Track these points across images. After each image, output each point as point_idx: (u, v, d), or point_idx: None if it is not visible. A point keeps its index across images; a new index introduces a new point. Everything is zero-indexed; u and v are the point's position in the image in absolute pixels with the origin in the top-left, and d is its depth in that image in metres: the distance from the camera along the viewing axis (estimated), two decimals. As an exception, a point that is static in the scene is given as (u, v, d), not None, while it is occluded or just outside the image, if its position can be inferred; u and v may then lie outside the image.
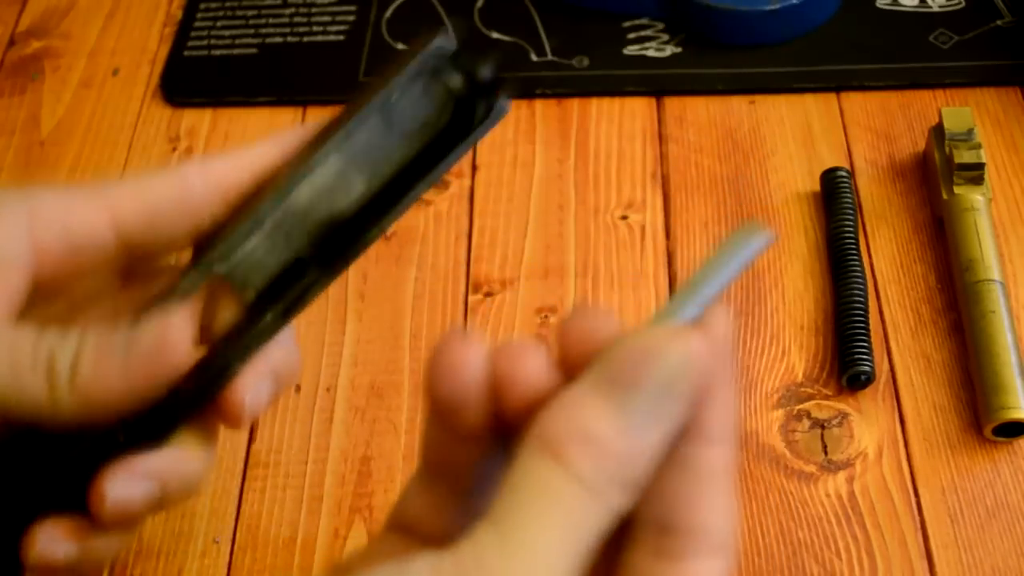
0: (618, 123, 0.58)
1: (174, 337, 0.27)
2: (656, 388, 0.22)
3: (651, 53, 0.61)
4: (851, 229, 0.51)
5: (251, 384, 0.29)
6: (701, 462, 0.23)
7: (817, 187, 0.54)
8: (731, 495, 0.23)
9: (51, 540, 0.28)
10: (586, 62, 0.61)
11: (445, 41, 0.28)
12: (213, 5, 0.66)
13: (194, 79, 0.62)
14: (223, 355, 0.29)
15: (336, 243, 0.29)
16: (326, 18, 0.64)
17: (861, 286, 0.50)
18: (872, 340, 0.48)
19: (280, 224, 0.29)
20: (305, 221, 0.29)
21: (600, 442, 0.22)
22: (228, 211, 0.30)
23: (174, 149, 0.59)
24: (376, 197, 0.29)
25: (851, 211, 0.52)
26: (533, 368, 0.24)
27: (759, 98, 0.59)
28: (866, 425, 0.47)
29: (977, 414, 0.47)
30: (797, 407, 0.48)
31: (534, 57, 0.61)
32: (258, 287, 0.29)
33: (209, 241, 0.29)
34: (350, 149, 0.30)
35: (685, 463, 0.23)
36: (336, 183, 0.29)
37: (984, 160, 0.51)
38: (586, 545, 0.22)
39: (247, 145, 0.30)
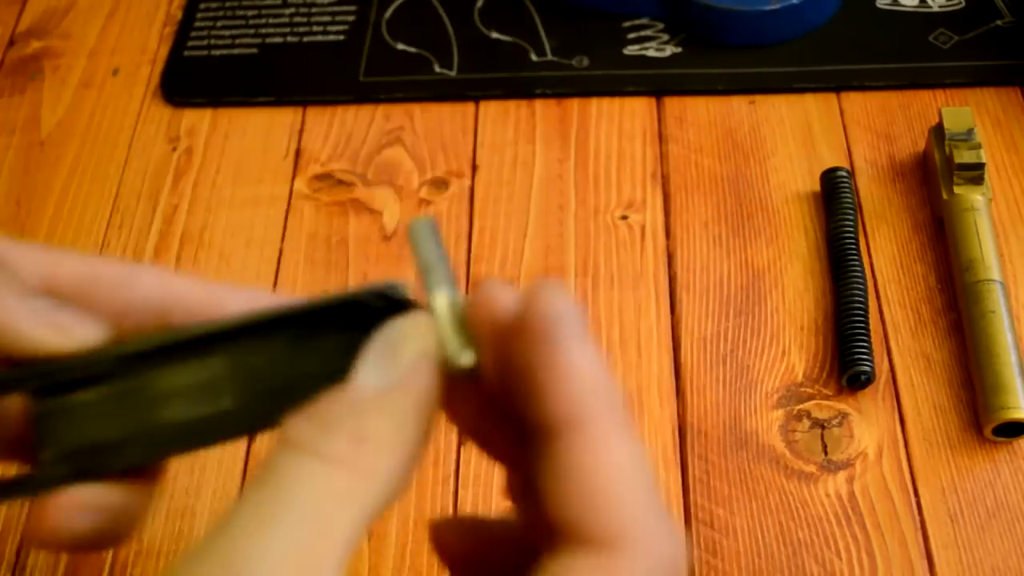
0: (618, 123, 0.58)
1: None
2: (386, 341, 0.23)
3: (651, 53, 0.61)
4: (851, 229, 0.51)
5: (63, 512, 0.26)
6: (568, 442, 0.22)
7: (817, 187, 0.54)
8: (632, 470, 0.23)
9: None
10: (586, 62, 0.61)
11: (396, 292, 0.26)
12: (213, 5, 0.66)
13: (194, 79, 0.62)
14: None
15: (160, 446, 0.26)
16: (326, 18, 0.64)
17: (861, 286, 0.50)
18: (872, 340, 0.48)
19: (124, 398, 0.26)
20: (153, 408, 0.26)
21: (320, 409, 0.23)
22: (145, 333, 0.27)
23: (174, 149, 0.60)
24: (232, 418, 0.26)
25: (851, 211, 0.52)
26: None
27: (759, 98, 0.59)
28: (866, 425, 0.47)
29: (977, 414, 0.47)
30: (797, 407, 0.48)
31: (534, 57, 0.61)
32: (64, 449, 0.26)
33: (75, 364, 0.26)
34: (243, 360, 0.26)
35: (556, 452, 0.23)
36: (209, 388, 0.26)
37: (984, 160, 0.51)
38: (349, 522, 0.22)
39: (214, 282, 0.28)
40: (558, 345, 0.22)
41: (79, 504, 0.25)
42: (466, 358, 0.24)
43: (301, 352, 0.26)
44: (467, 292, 0.52)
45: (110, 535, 0.26)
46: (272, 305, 0.26)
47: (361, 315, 0.25)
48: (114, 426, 0.26)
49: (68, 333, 0.26)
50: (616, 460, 0.22)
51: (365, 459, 0.22)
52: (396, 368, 0.23)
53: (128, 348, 0.26)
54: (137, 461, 0.26)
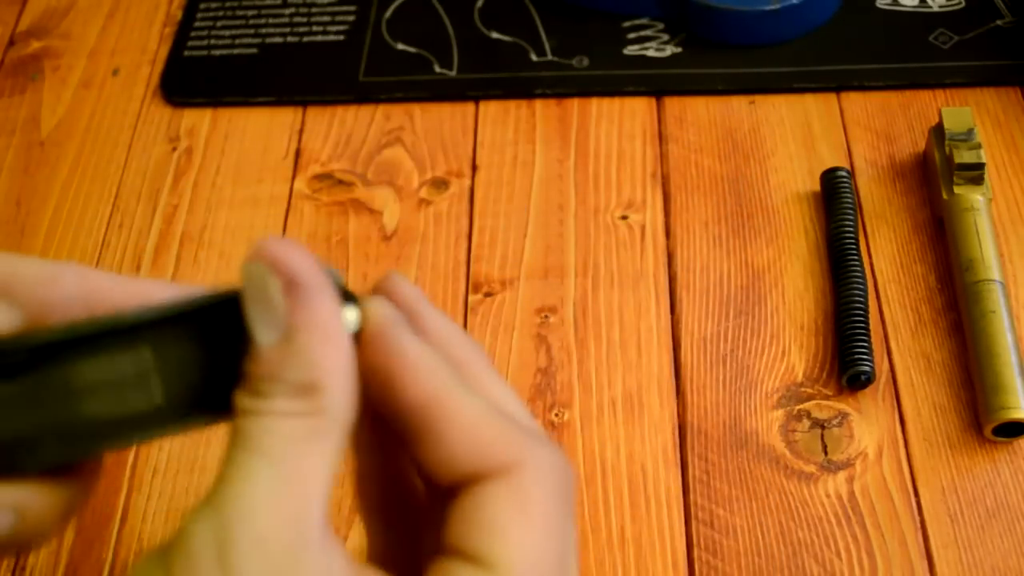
0: (618, 123, 0.58)
1: None
2: (253, 295, 0.24)
3: (651, 53, 0.61)
4: (851, 229, 0.51)
5: None
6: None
7: (817, 187, 0.54)
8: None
9: None
10: (586, 62, 0.61)
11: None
12: (213, 5, 0.66)
13: (194, 79, 0.62)
14: None
15: (82, 443, 0.25)
16: (326, 18, 0.64)
17: (861, 286, 0.50)
18: (872, 340, 0.48)
19: (37, 392, 0.24)
20: (74, 402, 0.24)
21: (247, 379, 0.24)
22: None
23: (174, 149, 0.60)
24: (163, 413, 0.25)
25: (851, 211, 0.52)
26: None
27: (759, 98, 0.59)
28: (866, 425, 0.47)
29: (977, 414, 0.47)
30: (797, 407, 0.48)
31: (534, 57, 0.61)
32: None
33: None
34: (171, 352, 0.25)
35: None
36: (134, 381, 0.25)
37: (984, 160, 0.51)
38: (322, 461, 0.23)
39: (139, 279, 0.27)
40: (392, 346, 0.25)
41: None
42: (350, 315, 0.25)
43: (224, 341, 0.25)
44: (467, 292, 0.52)
45: (26, 538, 0.25)
46: (195, 294, 0.25)
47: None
48: (29, 422, 0.24)
49: None
50: (475, 411, 0.25)
51: (308, 404, 0.23)
52: (276, 313, 0.24)
53: (45, 335, 0.24)
54: (56, 459, 0.25)
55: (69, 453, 0.25)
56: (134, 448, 0.49)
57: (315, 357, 0.23)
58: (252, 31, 0.64)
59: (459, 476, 0.25)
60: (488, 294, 0.52)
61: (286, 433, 0.23)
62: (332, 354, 0.24)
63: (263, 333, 0.24)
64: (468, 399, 0.25)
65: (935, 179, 0.53)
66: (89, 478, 0.27)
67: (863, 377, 0.47)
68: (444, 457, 0.25)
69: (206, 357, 0.25)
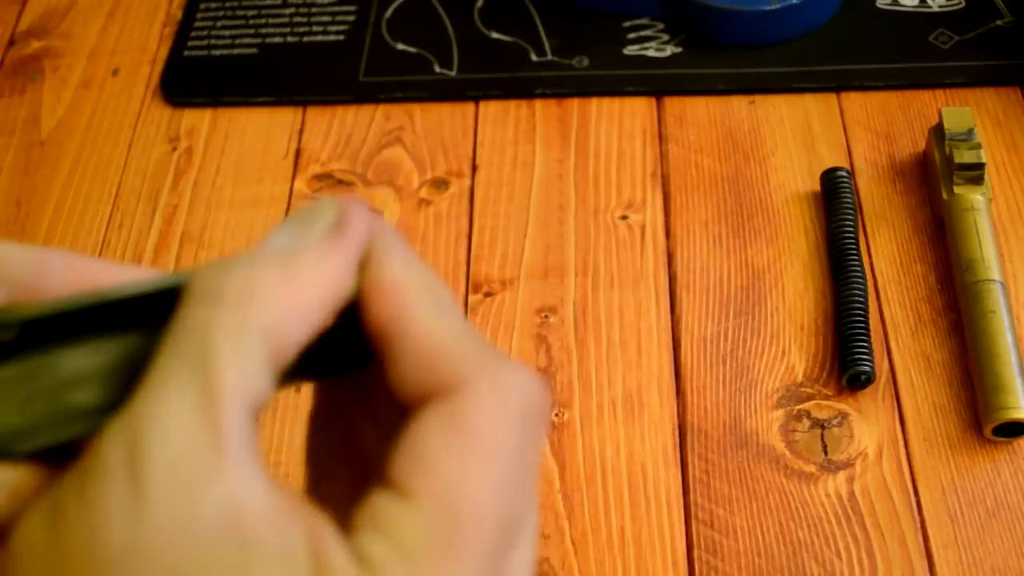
0: (618, 123, 0.58)
1: None
2: (302, 216, 0.23)
3: (651, 53, 0.61)
4: (851, 229, 0.51)
5: None
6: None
7: (817, 187, 0.54)
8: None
9: None
10: (586, 62, 0.61)
11: None
12: (213, 5, 0.66)
13: (194, 79, 0.62)
14: None
15: (74, 430, 0.23)
16: (326, 18, 0.64)
17: (861, 286, 0.50)
18: (872, 340, 0.48)
19: (27, 379, 0.24)
20: (55, 397, 0.23)
21: (225, 260, 0.22)
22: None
23: (174, 149, 0.60)
24: None
25: (851, 211, 0.52)
26: None
27: (759, 98, 0.59)
28: (866, 425, 0.47)
29: (977, 414, 0.47)
30: (797, 407, 0.48)
31: (534, 57, 0.61)
32: None
33: None
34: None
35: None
36: (124, 369, 0.24)
37: (984, 160, 0.51)
38: (240, 350, 0.21)
39: (127, 266, 0.26)
40: (375, 265, 0.23)
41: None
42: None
43: None
44: (467, 292, 0.52)
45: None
46: (165, 278, 0.24)
47: None
48: (18, 412, 0.23)
49: None
50: (432, 325, 0.23)
51: (249, 298, 0.22)
52: (306, 234, 0.23)
53: (35, 310, 0.23)
54: (46, 444, 0.24)
55: (60, 438, 0.24)
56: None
57: (290, 266, 0.22)
58: (252, 31, 0.64)
59: (411, 398, 0.22)
60: (488, 294, 0.52)
61: (212, 339, 0.21)
62: (316, 291, 0.22)
63: (276, 238, 0.23)
64: (430, 315, 0.23)
65: (935, 179, 0.53)
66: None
67: (863, 377, 0.47)
68: (399, 376, 0.23)
69: None
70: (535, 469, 0.23)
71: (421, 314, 0.23)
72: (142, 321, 0.24)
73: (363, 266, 0.24)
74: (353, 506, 0.23)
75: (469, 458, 0.21)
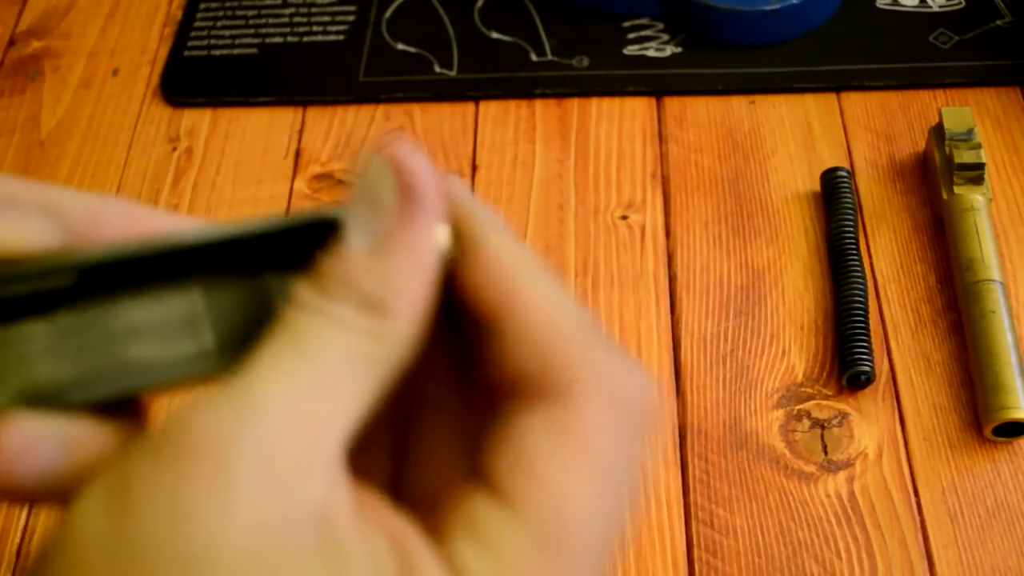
0: (618, 123, 0.58)
1: None
2: (364, 194, 0.22)
3: (651, 53, 0.61)
4: (851, 229, 0.51)
5: (20, 444, 0.21)
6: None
7: (817, 187, 0.54)
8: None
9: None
10: (586, 62, 0.61)
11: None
12: (213, 5, 0.66)
13: (194, 79, 0.62)
14: None
15: (130, 383, 0.22)
16: (326, 18, 0.64)
17: (861, 286, 0.50)
18: (872, 340, 0.48)
19: (81, 331, 0.22)
20: (119, 343, 0.22)
21: (321, 275, 0.21)
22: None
23: (174, 149, 0.60)
24: (214, 358, 0.23)
25: (851, 211, 0.52)
26: None
27: (759, 98, 0.59)
28: (866, 425, 0.47)
29: (977, 414, 0.47)
30: (797, 407, 0.48)
31: (534, 57, 0.61)
32: (10, 388, 0.22)
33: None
34: (223, 294, 0.23)
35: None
36: (183, 324, 0.23)
37: (984, 160, 0.51)
38: (364, 386, 0.21)
39: (187, 216, 0.25)
40: (474, 236, 0.22)
41: (39, 434, 0.21)
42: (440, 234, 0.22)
43: (269, 285, 0.23)
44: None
45: (81, 476, 0.21)
46: (234, 226, 0.23)
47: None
48: (73, 362, 0.22)
49: (24, 227, 0.22)
50: (552, 311, 0.22)
51: (376, 325, 0.21)
52: (380, 226, 0.21)
53: (94, 255, 0.22)
54: (101, 397, 0.22)
55: (117, 392, 0.23)
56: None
57: (399, 280, 0.21)
58: (252, 31, 0.64)
59: (513, 387, 0.21)
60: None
61: (337, 343, 0.20)
62: (417, 284, 0.21)
63: (357, 233, 0.21)
64: (545, 297, 0.22)
65: (935, 179, 0.53)
66: (139, 418, 0.24)
67: (863, 377, 0.47)
68: (505, 361, 0.21)
69: (258, 296, 0.23)
70: (638, 475, 0.22)
71: (536, 295, 0.22)
72: (201, 272, 0.23)
73: (456, 231, 0.22)
74: (391, 481, 0.22)
75: (579, 471, 0.20)
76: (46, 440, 0.21)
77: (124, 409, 0.23)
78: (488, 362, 0.22)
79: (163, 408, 0.24)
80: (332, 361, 0.20)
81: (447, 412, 0.24)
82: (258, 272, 0.23)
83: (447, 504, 0.21)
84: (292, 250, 0.23)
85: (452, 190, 0.23)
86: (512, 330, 0.21)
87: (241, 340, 0.23)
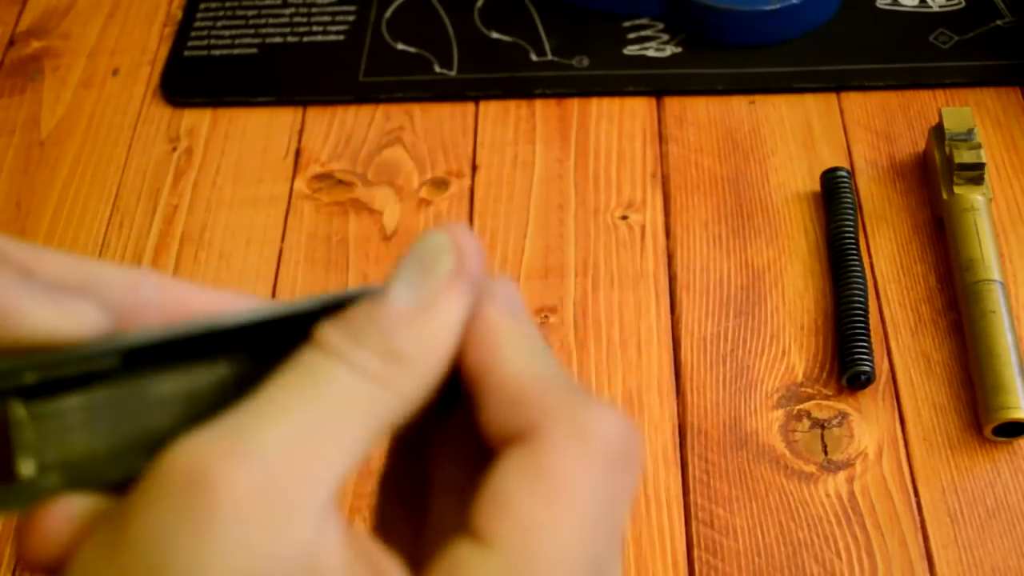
0: (618, 123, 0.58)
1: None
2: (419, 258, 0.23)
3: (651, 53, 0.61)
4: (851, 229, 0.51)
5: (60, 526, 0.22)
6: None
7: (817, 187, 0.54)
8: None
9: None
10: (586, 62, 0.61)
11: None
12: (213, 5, 0.66)
13: (194, 79, 0.62)
14: None
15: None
16: (326, 18, 0.64)
17: (861, 286, 0.50)
18: (872, 340, 0.48)
19: (117, 404, 0.23)
20: (151, 414, 0.23)
21: (352, 320, 0.22)
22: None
23: (174, 149, 0.60)
24: None
25: (851, 211, 0.52)
26: None
27: (759, 98, 0.59)
28: (866, 425, 0.47)
29: (977, 414, 0.47)
30: (797, 407, 0.48)
31: (534, 57, 0.61)
32: (47, 460, 0.22)
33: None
34: (249, 366, 0.24)
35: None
36: (210, 395, 0.24)
37: (984, 160, 0.51)
38: (366, 433, 0.21)
39: (218, 289, 0.25)
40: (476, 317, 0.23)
41: (78, 515, 0.22)
42: None
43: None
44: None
45: None
46: (271, 307, 0.24)
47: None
48: (107, 435, 0.23)
49: (74, 314, 0.22)
50: (519, 364, 0.23)
51: (394, 377, 0.22)
52: (429, 287, 0.23)
53: (138, 339, 0.23)
54: (136, 471, 0.23)
55: (141, 466, 0.23)
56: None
57: (430, 340, 0.22)
58: (252, 31, 0.64)
59: (496, 440, 0.22)
60: (488, 294, 0.52)
61: (345, 387, 0.21)
62: (443, 348, 0.22)
63: (403, 291, 0.22)
64: (519, 356, 0.23)
65: (935, 179, 0.53)
66: None
67: (863, 377, 0.47)
68: (486, 419, 0.22)
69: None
70: (624, 517, 0.22)
71: (509, 355, 0.23)
72: (232, 347, 0.24)
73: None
74: (417, 551, 0.23)
75: (551, 505, 0.21)
76: (82, 519, 0.22)
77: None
78: (478, 423, 0.23)
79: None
80: (340, 404, 0.21)
81: (461, 471, 0.25)
82: (290, 345, 0.24)
83: (434, 557, 0.21)
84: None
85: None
86: (490, 388, 0.22)
87: None
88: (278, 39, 0.64)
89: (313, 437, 0.20)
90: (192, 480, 0.19)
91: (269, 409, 0.21)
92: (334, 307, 0.24)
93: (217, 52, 0.63)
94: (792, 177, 0.55)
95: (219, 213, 0.57)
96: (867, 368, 0.47)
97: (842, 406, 0.48)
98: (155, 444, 0.22)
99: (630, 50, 0.61)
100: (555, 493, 0.21)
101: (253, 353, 0.24)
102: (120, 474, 0.23)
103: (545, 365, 0.23)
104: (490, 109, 0.59)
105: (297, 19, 0.65)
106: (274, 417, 0.20)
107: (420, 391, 0.22)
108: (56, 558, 0.22)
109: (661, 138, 0.58)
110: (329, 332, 0.22)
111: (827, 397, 0.48)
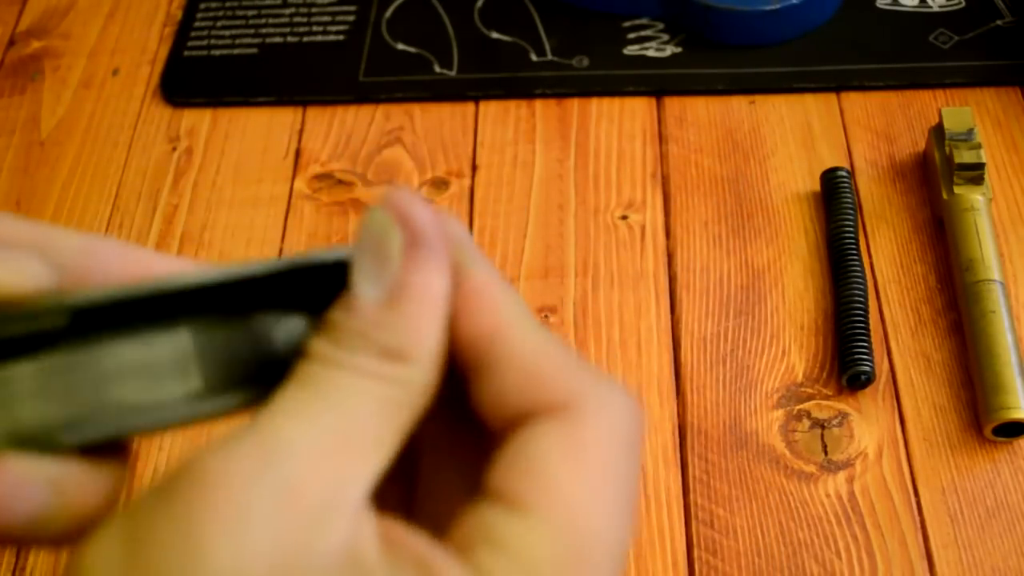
0: (618, 123, 0.58)
1: None
2: (369, 246, 0.22)
3: (651, 53, 0.61)
4: (851, 229, 0.51)
5: (7, 486, 0.21)
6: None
7: (817, 187, 0.54)
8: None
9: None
10: (586, 62, 0.61)
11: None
12: (213, 5, 0.66)
13: (194, 79, 0.62)
14: None
15: (116, 425, 0.22)
16: (326, 18, 0.64)
17: (861, 286, 0.50)
18: (872, 340, 0.48)
19: (70, 372, 0.22)
20: (98, 390, 0.22)
21: (334, 328, 0.22)
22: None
23: (174, 149, 0.60)
24: (202, 401, 0.23)
25: (851, 211, 0.52)
26: None
27: (759, 98, 0.59)
28: (866, 425, 0.47)
29: (977, 414, 0.47)
30: (797, 407, 0.48)
31: (534, 57, 0.61)
32: None
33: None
34: (212, 336, 0.23)
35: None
36: (171, 366, 0.23)
37: (984, 160, 0.51)
38: (387, 431, 0.21)
39: (179, 258, 0.25)
40: (460, 275, 0.23)
41: (28, 476, 0.21)
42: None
43: (262, 325, 0.23)
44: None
45: (70, 519, 0.22)
46: (228, 269, 0.23)
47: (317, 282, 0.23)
48: (60, 404, 0.22)
49: (18, 269, 0.22)
50: (536, 343, 0.22)
51: (399, 372, 0.21)
52: (389, 273, 0.22)
53: (87, 297, 0.22)
54: (88, 440, 0.22)
55: (103, 435, 0.23)
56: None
57: (417, 328, 0.22)
58: (252, 31, 0.64)
59: (512, 414, 0.22)
60: (488, 294, 0.52)
61: (361, 391, 0.21)
62: (433, 327, 0.22)
63: (367, 287, 0.22)
64: (530, 330, 0.22)
65: (935, 179, 0.53)
66: (124, 460, 0.24)
67: (863, 377, 0.47)
68: (498, 393, 0.22)
69: (251, 337, 0.23)
70: (638, 490, 0.22)
71: (521, 330, 0.22)
72: (191, 314, 0.23)
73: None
74: (403, 512, 0.22)
75: (590, 478, 0.21)
76: (35, 482, 0.21)
77: (112, 451, 0.23)
78: (482, 396, 0.22)
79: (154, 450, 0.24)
80: (357, 407, 0.21)
81: (444, 442, 0.25)
82: (249, 312, 0.23)
83: (461, 525, 0.21)
84: (285, 290, 0.23)
85: (448, 228, 0.23)
86: (506, 364, 0.22)
87: (231, 382, 0.23)
88: (278, 39, 0.64)
89: (339, 441, 0.20)
90: (219, 484, 0.19)
91: (292, 416, 0.20)
92: (298, 272, 0.23)
93: (217, 52, 0.63)
94: (792, 177, 0.55)
95: (219, 213, 0.57)
96: (867, 368, 0.47)
97: (842, 406, 0.48)
98: (114, 415, 0.22)
99: (630, 50, 0.61)
100: (595, 468, 0.21)
101: (214, 320, 0.23)
102: (76, 441, 0.22)
103: (548, 338, 0.23)
104: (490, 109, 0.59)
105: (297, 19, 0.65)
106: (299, 423, 0.20)
107: (429, 375, 0.22)
108: (12, 524, 0.21)
109: (661, 138, 0.58)
110: (320, 345, 0.22)
111: (827, 397, 0.48)
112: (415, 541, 0.21)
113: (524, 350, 0.22)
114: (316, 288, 0.23)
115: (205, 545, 0.19)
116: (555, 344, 0.23)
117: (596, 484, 0.21)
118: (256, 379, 0.23)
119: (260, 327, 0.23)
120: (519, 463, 0.21)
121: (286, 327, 0.23)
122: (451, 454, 0.25)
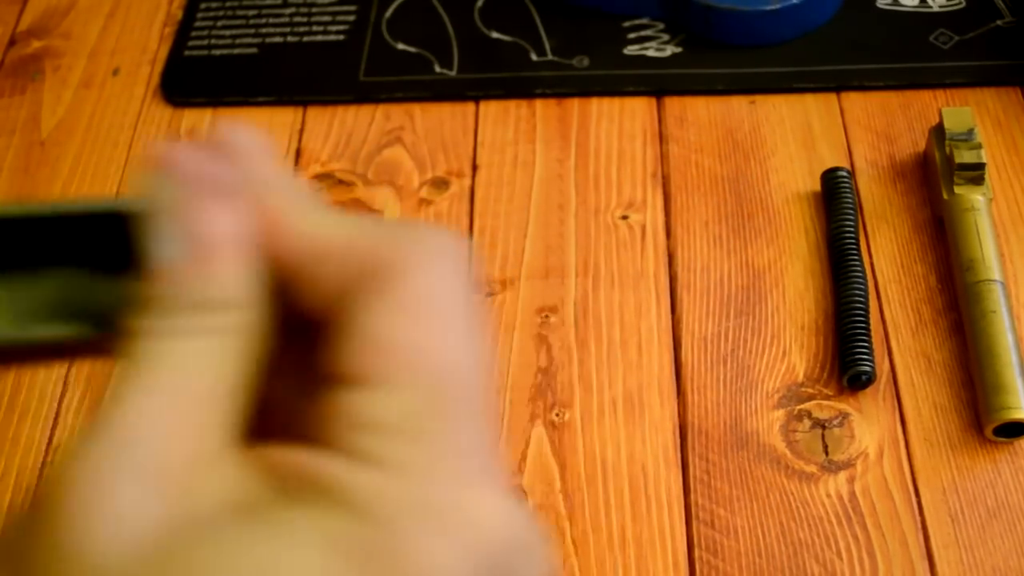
0: (618, 123, 0.58)
1: None
2: (152, 210, 0.22)
3: (651, 53, 0.61)
4: (851, 229, 0.51)
5: None
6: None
7: (817, 187, 0.54)
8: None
9: None
10: (586, 62, 0.61)
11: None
12: (213, 5, 0.66)
13: (194, 79, 0.62)
14: None
15: None
16: (326, 18, 0.64)
17: (861, 286, 0.50)
18: (873, 340, 0.48)
19: None
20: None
21: (142, 297, 0.21)
22: None
23: (174, 149, 0.59)
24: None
25: (851, 211, 0.52)
26: None
27: (759, 98, 0.59)
28: (867, 425, 0.47)
29: (978, 414, 0.47)
30: (798, 407, 0.48)
31: (534, 57, 0.61)
32: None
33: None
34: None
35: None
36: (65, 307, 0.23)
37: (984, 160, 0.51)
38: (220, 378, 0.21)
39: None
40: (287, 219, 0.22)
41: None
42: None
43: (108, 255, 0.23)
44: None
45: None
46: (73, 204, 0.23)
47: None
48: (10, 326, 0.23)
49: None
50: (323, 221, 0.22)
51: (216, 320, 0.21)
52: (176, 227, 0.22)
53: None
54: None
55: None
56: (50, 426, 0.48)
57: (218, 271, 0.21)
58: (252, 31, 0.64)
59: (333, 299, 0.21)
60: (488, 294, 0.52)
61: (189, 351, 0.21)
62: (235, 266, 0.22)
63: (162, 249, 0.22)
64: (318, 217, 0.22)
65: (935, 179, 0.53)
66: None
67: (864, 377, 0.47)
68: (311, 284, 0.22)
69: (93, 273, 0.23)
70: (478, 310, 0.22)
71: (298, 221, 0.22)
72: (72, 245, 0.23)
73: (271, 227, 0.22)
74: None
75: (432, 326, 0.21)
76: None
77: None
78: (299, 293, 0.22)
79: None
80: (188, 368, 0.21)
81: (289, 361, 0.24)
82: (86, 242, 0.23)
83: (325, 420, 0.21)
84: (71, 239, 0.23)
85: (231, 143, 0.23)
86: (307, 252, 0.22)
87: (27, 322, 0.23)
88: (278, 39, 0.64)
89: (179, 402, 0.20)
90: (84, 481, 0.19)
91: (123, 402, 0.20)
92: (100, 217, 0.23)
93: (217, 52, 0.63)
94: (792, 177, 0.55)
95: (219, 213, 0.57)
96: (868, 368, 0.47)
97: (843, 406, 0.48)
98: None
99: (630, 50, 0.61)
100: (432, 315, 0.21)
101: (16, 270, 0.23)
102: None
103: (339, 217, 0.22)
104: (490, 109, 0.59)
105: (297, 19, 0.65)
106: (132, 404, 0.20)
107: (250, 311, 0.22)
108: None
109: (661, 138, 0.58)
110: (136, 321, 0.21)
111: (828, 397, 0.48)
112: (295, 457, 0.20)
113: (316, 234, 0.22)
114: (96, 232, 0.23)
115: (83, 546, 0.19)
116: (348, 219, 0.22)
117: (434, 328, 0.21)
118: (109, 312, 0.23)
119: (103, 258, 0.23)
120: (354, 340, 0.21)
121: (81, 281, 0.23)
122: (297, 366, 0.25)
